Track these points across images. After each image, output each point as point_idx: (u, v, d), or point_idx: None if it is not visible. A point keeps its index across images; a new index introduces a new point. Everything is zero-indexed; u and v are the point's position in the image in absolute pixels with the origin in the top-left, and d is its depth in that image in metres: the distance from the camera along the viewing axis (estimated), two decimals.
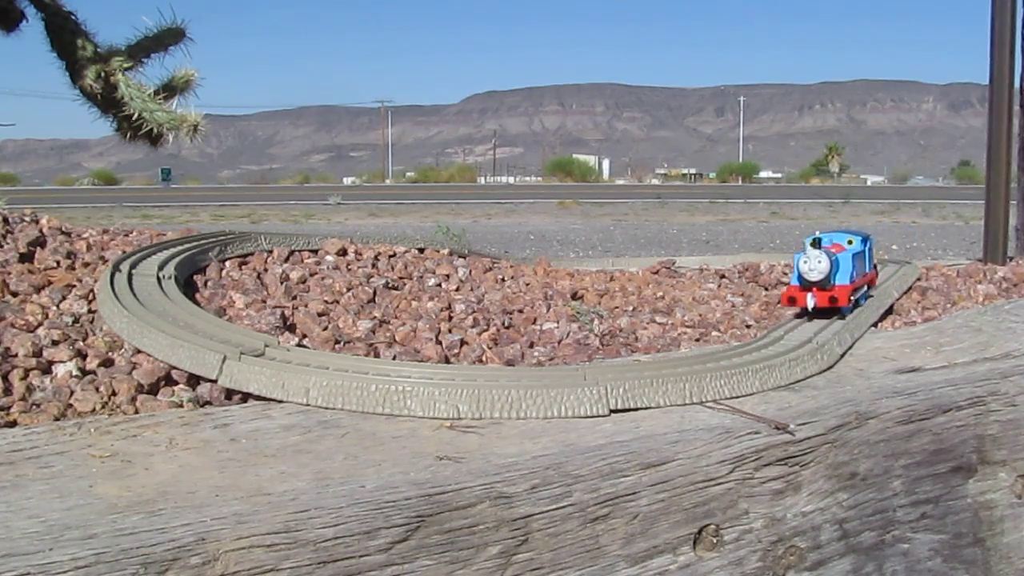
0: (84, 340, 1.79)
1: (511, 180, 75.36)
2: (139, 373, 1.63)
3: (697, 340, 2.26)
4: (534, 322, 2.33)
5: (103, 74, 2.22)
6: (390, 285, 2.51)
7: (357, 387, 1.49)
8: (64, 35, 2.26)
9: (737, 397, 1.61)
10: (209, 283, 2.31)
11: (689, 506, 1.35)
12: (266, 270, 2.47)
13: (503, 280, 2.83)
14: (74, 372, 1.62)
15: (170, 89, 2.31)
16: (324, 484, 1.16)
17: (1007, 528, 1.78)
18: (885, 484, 1.60)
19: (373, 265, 2.70)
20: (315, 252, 2.73)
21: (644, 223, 16.22)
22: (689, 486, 1.35)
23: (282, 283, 2.35)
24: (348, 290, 2.38)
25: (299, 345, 1.88)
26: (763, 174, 75.03)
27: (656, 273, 3.28)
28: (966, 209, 18.46)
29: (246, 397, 1.57)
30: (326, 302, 2.23)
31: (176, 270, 2.18)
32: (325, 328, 2.02)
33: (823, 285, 2.15)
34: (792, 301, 2.19)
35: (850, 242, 2.41)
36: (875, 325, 2.36)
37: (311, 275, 2.48)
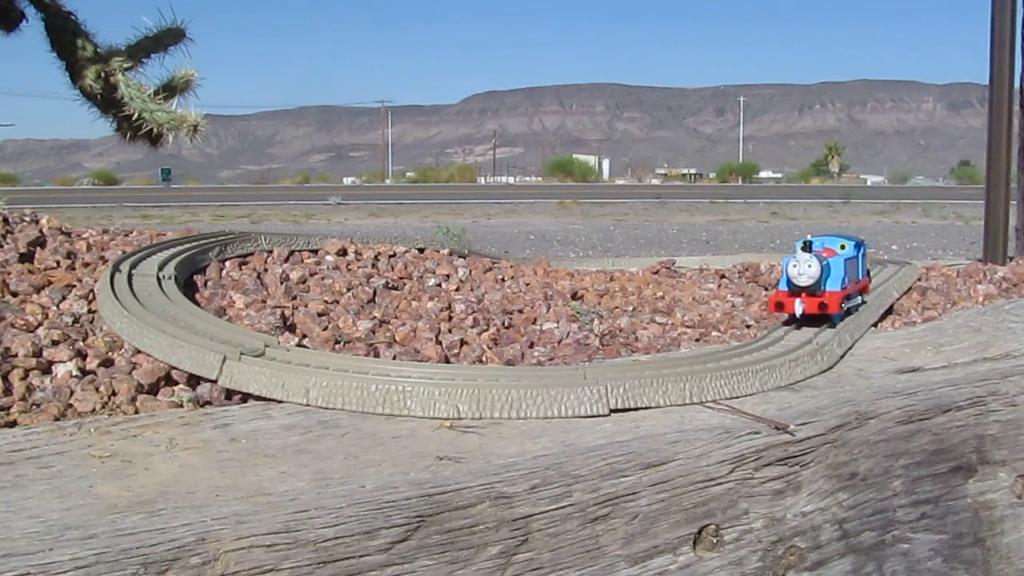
0: (84, 340, 1.79)
1: (511, 180, 75.41)
2: (139, 373, 1.63)
3: (697, 340, 2.25)
4: (534, 322, 2.33)
5: (103, 74, 2.22)
6: (390, 285, 2.51)
7: (357, 387, 1.49)
8: (64, 35, 2.26)
9: (737, 397, 1.61)
10: (209, 283, 2.31)
11: (689, 506, 1.35)
12: (266, 270, 2.47)
13: (503, 280, 2.83)
14: (74, 372, 1.62)
15: (170, 89, 2.31)
16: (324, 484, 1.16)
17: (1007, 528, 1.78)
18: (885, 484, 1.60)
19: (373, 265, 2.70)
20: (315, 252, 2.73)
21: (644, 223, 16.22)
22: (689, 486, 1.35)
23: (282, 283, 2.35)
24: (348, 290, 2.38)
25: (299, 345, 1.88)
26: (763, 174, 75.07)
27: (656, 273, 3.28)
28: (966, 209, 18.47)
29: (246, 397, 1.57)
30: (326, 302, 2.23)
31: (176, 270, 2.18)
32: (325, 328, 2.02)
33: (813, 290, 2.03)
34: (779, 307, 2.07)
35: (843, 247, 2.30)
36: (875, 325, 2.36)
37: (311, 275, 2.48)
